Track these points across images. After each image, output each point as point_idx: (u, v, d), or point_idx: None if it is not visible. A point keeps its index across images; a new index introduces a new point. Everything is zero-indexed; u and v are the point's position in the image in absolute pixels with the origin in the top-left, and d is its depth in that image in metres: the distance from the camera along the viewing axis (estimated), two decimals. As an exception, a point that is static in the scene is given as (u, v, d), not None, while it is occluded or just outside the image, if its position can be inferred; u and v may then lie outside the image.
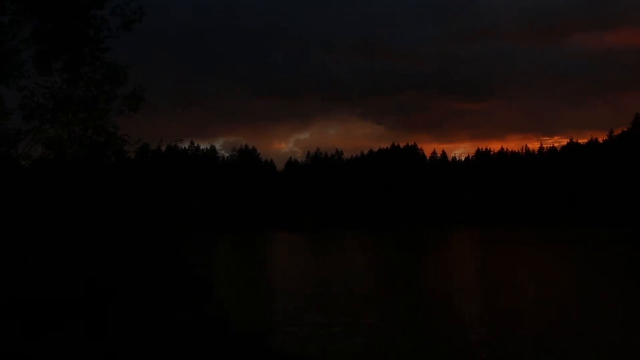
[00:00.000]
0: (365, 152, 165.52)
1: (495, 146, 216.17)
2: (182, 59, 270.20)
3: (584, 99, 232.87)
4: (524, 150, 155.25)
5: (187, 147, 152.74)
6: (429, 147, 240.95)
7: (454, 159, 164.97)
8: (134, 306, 12.24)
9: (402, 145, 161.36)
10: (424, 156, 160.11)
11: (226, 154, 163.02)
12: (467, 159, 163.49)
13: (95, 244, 12.79)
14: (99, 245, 12.83)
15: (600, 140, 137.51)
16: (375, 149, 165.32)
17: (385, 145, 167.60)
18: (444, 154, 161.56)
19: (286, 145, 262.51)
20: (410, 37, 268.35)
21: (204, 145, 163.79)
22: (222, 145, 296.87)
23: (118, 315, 11.67)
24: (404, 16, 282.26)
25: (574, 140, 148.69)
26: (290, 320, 21.09)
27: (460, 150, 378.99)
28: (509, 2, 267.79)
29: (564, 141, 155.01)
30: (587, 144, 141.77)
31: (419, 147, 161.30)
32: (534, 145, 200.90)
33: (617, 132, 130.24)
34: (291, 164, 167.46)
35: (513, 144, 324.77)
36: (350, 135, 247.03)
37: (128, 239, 13.67)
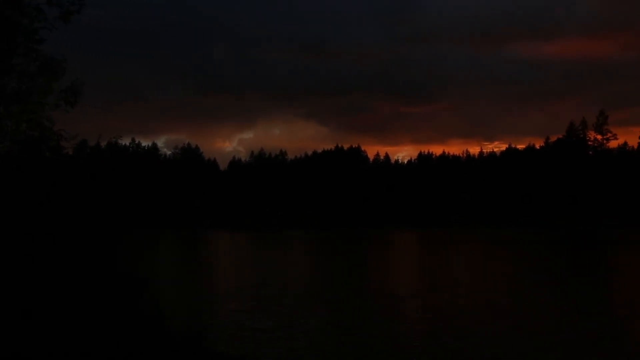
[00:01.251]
0: (310, 153, 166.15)
1: (437, 150, 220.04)
2: (124, 54, 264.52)
3: (523, 106, 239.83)
4: (464, 155, 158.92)
5: (127, 143, 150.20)
6: (373, 150, 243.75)
7: (396, 161, 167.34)
8: (59, 307, 11.87)
9: (345, 147, 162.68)
10: (367, 158, 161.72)
11: (168, 152, 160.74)
12: (409, 162, 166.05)
13: (19, 242, 12.33)
14: (23, 243, 12.37)
15: (537, 146, 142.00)
16: (319, 150, 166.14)
17: (329, 146, 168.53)
18: (387, 156, 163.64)
19: (230, 144, 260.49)
20: (356, 38, 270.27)
21: (145, 143, 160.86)
22: (164, 143, 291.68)
23: (42, 314, 11.31)
24: (350, 17, 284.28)
25: (513, 146, 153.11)
26: (230, 321, 20.90)
27: (404, 153, 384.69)
28: (453, 8, 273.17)
29: (504, 146, 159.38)
30: (525, 149, 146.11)
31: (363, 149, 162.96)
32: (474, 150, 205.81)
33: (553, 138, 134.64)
34: (235, 163, 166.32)
35: (455, 148, 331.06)
36: (294, 136, 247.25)
37: (56, 237, 13.23)
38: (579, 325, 20.09)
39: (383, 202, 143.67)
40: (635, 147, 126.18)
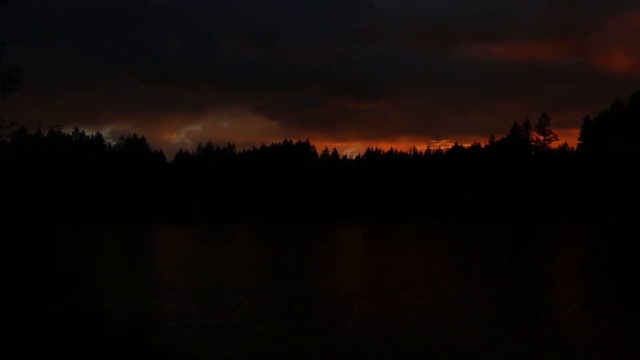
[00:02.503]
0: (258, 147, 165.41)
1: (385, 147, 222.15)
2: (70, 41, 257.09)
3: (470, 106, 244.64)
4: (412, 152, 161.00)
5: (71, 133, 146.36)
6: (322, 145, 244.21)
7: (345, 157, 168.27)
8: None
9: (294, 141, 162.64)
10: (316, 153, 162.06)
11: (113, 143, 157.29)
12: (357, 158, 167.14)
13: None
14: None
15: (483, 145, 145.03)
16: (268, 144, 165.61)
17: (278, 140, 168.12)
18: (335, 152, 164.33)
19: (177, 136, 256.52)
20: (307, 34, 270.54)
21: (89, 133, 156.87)
22: (109, 133, 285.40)
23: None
24: (302, 13, 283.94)
25: (459, 144, 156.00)
26: (174, 316, 20.49)
27: (352, 149, 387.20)
28: (405, 7, 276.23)
29: (450, 144, 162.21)
30: (470, 148, 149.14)
31: (312, 144, 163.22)
32: (422, 147, 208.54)
33: (498, 138, 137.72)
34: (181, 155, 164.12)
35: (402, 145, 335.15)
36: (243, 129, 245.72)
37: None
38: (512, 323, 20.49)
39: (330, 197, 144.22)
40: (575, 148, 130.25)
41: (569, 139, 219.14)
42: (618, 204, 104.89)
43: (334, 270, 36.86)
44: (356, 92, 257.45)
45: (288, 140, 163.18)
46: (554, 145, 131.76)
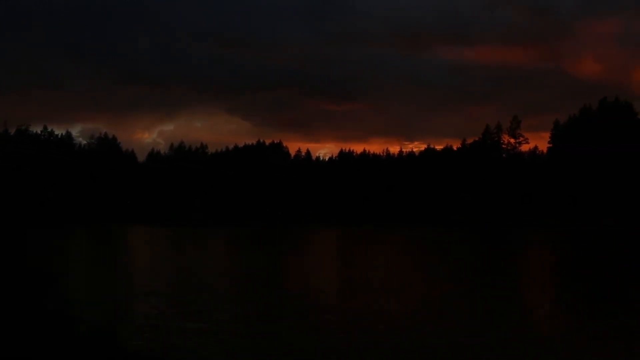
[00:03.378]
0: (231, 147, 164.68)
1: (358, 148, 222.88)
2: (40, 39, 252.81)
3: (443, 108, 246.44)
4: (385, 153, 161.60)
5: (39, 131, 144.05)
6: (295, 146, 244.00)
7: (318, 158, 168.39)
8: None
9: (267, 142, 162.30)
10: (289, 154, 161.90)
11: (84, 142, 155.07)
12: (330, 159, 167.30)
13: None
14: None
15: (455, 147, 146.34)
16: (241, 145, 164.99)
17: (251, 141, 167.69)
18: (308, 153, 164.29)
19: (149, 135, 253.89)
20: (282, 34, 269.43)
21: (59, 131, 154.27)
22: (79, 132, 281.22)
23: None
24: (277, 13, 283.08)
25: (431, 146, 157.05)
26: (148, 320, 20.16)
27: (325, 150, 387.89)
28: (380, 9, 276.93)
29: (423, 146, 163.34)
30: (442, 150, 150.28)
31: (285, 145, 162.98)
32: (395, 149, 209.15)
33: (470, 140, 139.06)
34: (153, 155, 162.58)
35: (376, 147, 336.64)
36: (216, 130, 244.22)
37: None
38: (486, 327, 20.64)
39: (302, 198, 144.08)
40: (545, 151, 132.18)
41: (539, 142, 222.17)
42: (587, 206, 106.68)
43: (309, 273, 36.77)
44: (330, 93, 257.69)
45: (261, 140, 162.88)
46: (525, 148, 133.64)
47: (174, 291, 26.91)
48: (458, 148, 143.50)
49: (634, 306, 24.81)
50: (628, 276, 35.50)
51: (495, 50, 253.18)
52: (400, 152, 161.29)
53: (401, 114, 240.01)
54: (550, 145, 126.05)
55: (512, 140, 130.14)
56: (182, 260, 44.36)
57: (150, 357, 14.41)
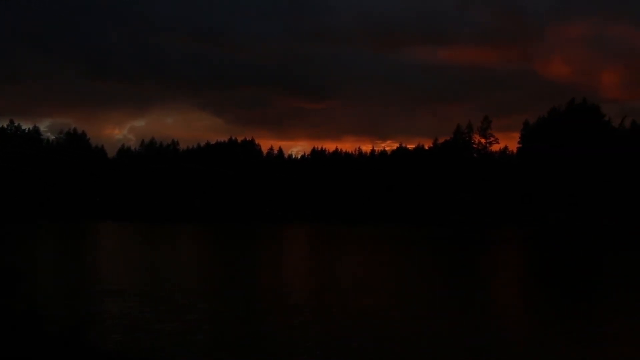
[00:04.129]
0: (202, 144, 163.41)
1: (330, 146, 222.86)
2: (5, 31, 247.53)
3: (416, 108, 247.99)
4: (357, 152, 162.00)
5: (6, 125, 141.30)
6: (267, 143, 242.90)
7: (290, 156, 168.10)
8: None
9: (239, 139, 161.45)
10: (261, 152, 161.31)
11: (52, 137, 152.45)
12: (302, 157, 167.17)
13: None
14: None
15: (426, 147, 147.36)
16: (213, 142, 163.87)
17: (223, 138, 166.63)
18: (280, 150, 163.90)
19: (120, 131, 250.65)
20: (256, 31, 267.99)
21: (26, 126, 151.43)
22: (48, 127, 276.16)
23: None
24: (250, 10, 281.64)
25: (404, 145, 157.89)
26: (119, 320, 19.78)
27: (298, 148, 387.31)
28: (354, 8, 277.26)
29: (395, 145, 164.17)
30: (414, 149, 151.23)
31: (257, 142, 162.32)
32: (367, 148, 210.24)
33: (441, 140, 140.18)
34: (124, 151, 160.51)
35: (348, 145, 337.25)
36: (188, 126, 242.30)
37: None
38: (453, 325, 20.71)
39: (274, 196, 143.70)
40: (515, 151, 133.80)
41: (509, 142, 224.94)
42: (555, 205, 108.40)
43: (280, 271, 36.61)
44: (303, 91, 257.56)
45: (233, 137, 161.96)
46: (495, 148, 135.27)
47: (145, 289, 26.48)
48: (430, 147, 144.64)
49: (593, 306, 25.19)
50: (594, 275, 36.09)
51: (468, 50, 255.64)
52: (373, 151, 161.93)
53: (374, 113, 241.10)
54: (520, 145, 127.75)
55: (482, 140, 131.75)
56: (152, 257, 43.82)
57: (124, 359, 14.11)
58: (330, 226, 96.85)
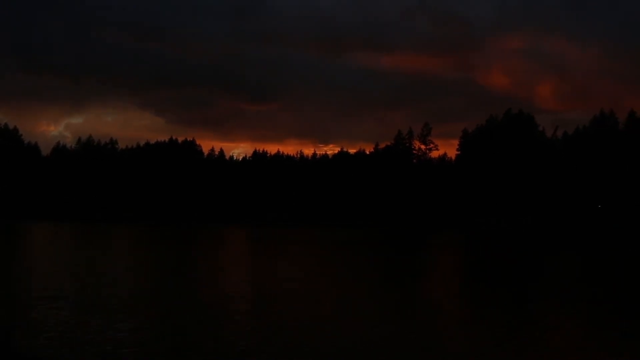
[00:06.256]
0: (142, 143, 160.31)
1: (272, 149, 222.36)
2: None
3: (358, 113, 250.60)
4: (299, 155, 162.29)
5: None
6: (209, 144, 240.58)
7: (231, 157, 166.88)
8: None
9: (180, 140, 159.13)
10: (202, 153, 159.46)
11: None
12: (244, 159, 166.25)
13: None
14: None
15: (368, 151, 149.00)
16: (153, 142, 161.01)
17: (164, 138, 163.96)
18: (221, 152, 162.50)
19: (55, 128, 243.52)
20: (201, 31, 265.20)
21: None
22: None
23: None
24: (196, 9, 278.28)
25: (345, 150, 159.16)
26: (49, 327, 19.07)
27: (239, 150, 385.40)
28: (300, 12, 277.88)
29: (337, 149, 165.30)
30: (355, 154, 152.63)
31: (198, 143, 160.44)
32: (309, 151, 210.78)
33: (382, 145, 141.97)
34: (59, 149, 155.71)
35: (290, 148, 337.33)
36: (127, 125, 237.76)
37: None
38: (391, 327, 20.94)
39: (214, 197, 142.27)
40: (454, 158, 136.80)
41: (449, 149, 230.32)
42: (490, 210, 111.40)
43: (219, 275, 36.17)
44: (246, 93, 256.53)
45: (174, 138, 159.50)
46: (435, 154, 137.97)
47: (78, 295, 25.65)
48: (371, 152, 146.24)
49: (517, 306, 25.92)
50: (527, 277, 37.16)
51: (411, 58, 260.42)
52: (314, 154, 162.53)
53: (317, 117, 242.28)
54: (459, 152, 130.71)
55: (422, 147, 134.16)
56: (85, 259, 42.53)
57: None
58: (270, 228, 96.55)
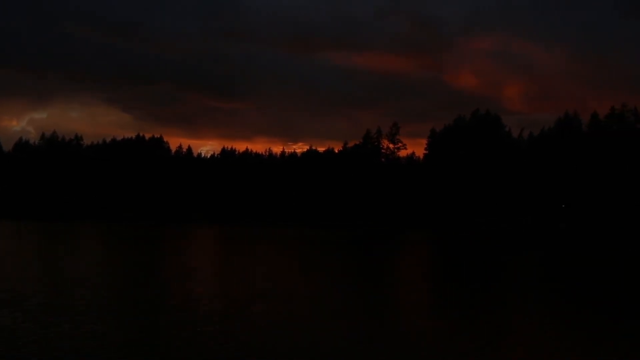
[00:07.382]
0: (108, 140, 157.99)
1: (241, 146, 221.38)
2: None
3: (327, 111, 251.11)
4: (267, 153, 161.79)
5: None
6: (177, 141, 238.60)
7: (199, 155, 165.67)
8: None
9: (147, 136, 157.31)
10: (170, 150, 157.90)
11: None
12: (212, 156, 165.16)
13: None
14: None
15: (336, 150, 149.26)
16: (119, 138, 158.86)
17: (131, 135, 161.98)
18: (189, 149, 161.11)
19: (18, 123, 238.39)
20: (170, 27, 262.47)
21: None
22: None
23: None
24: (165, 5, 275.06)
25: (314, 148, 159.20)
26: (8, 334, 18.57)
27: (208, 147, 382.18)
28: (272, 10, 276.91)
29: (306, 147, 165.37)
30: (324, 152, 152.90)
31: (166, 140, 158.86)
32: (278, 149, 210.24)
33: (351, 144, 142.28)
34: (21, 145, 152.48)
35: (259, 146, 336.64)
36: (93, 121, 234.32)
37: None
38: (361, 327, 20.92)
39: (181, 195, 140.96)
40: (422, 157, 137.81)
41: (417, 148, 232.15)
42: (458, 209, 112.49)
43: (189, 275, 35.73)
44: (216, 90, 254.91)
45: (141, 134, 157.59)
46: (403, 153, 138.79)
47: (42, 298, 25.01)
48: (340, 151, 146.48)
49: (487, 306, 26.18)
50: (495, 274, 37.58)
51: (381, 57, 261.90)
52: (283, 152, 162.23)
53: (286, 115, 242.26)
54: (427, 151, 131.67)
55: (391, 146, 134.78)
56: (49, 259, 41.62)
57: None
58: (238, 227, 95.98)
